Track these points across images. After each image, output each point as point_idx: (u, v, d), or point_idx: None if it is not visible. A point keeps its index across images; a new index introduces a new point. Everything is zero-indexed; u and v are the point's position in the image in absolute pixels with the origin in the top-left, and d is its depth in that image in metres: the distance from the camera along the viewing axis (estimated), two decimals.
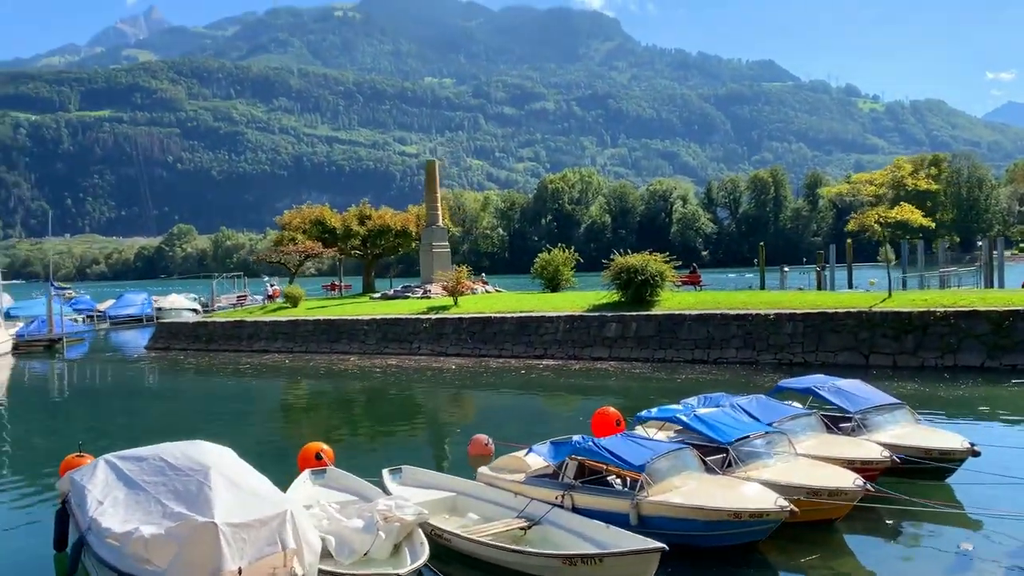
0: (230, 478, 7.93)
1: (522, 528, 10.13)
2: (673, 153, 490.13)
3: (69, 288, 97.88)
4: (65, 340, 38.63)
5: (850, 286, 44.60)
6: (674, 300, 29.61)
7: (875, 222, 26.26)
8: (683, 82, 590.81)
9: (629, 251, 30.97)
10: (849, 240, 47.32)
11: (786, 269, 47.66)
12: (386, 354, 30.99)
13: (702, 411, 11.87)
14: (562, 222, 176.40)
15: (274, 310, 37.46)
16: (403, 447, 16.62)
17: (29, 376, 31.66)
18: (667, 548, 8.40)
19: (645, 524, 9.72)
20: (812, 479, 10.32)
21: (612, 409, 15.22)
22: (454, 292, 33.78)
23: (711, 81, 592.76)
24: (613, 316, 28.49)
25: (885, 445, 11.96)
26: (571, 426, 15.37)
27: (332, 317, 33.70)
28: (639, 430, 12.43)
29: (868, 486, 10.05)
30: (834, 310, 25.36)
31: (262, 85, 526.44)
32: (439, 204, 41.70)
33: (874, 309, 24.89)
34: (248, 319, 36.01)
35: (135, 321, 49.86)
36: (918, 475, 11.87)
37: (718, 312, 26.92)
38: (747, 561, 9.53)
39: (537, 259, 39.86)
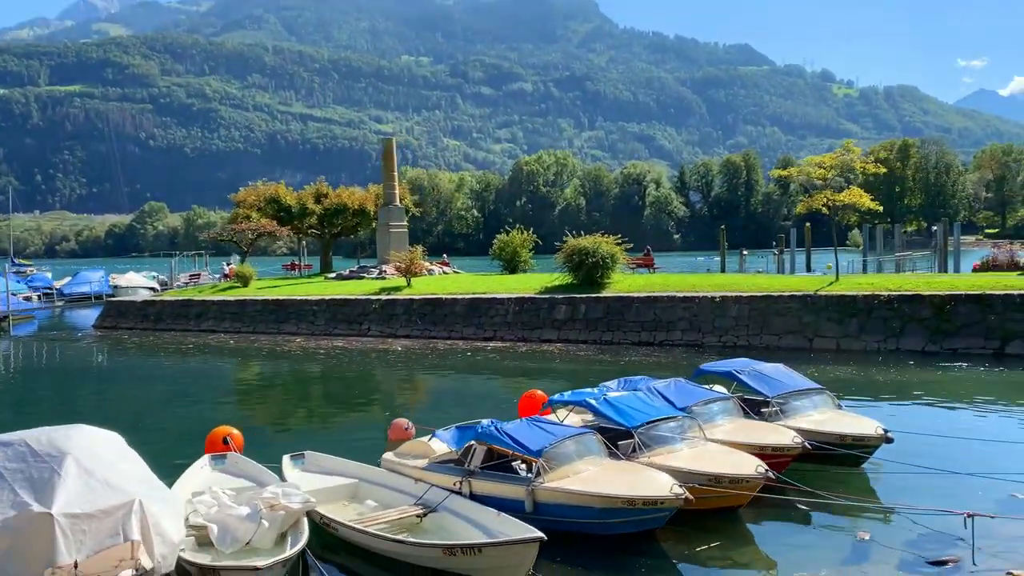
0: (86, 466, 7.54)
1: (418, 516, 9.88)
2: (649, 136, 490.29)
3: (31, 265, 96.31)
4: (11, 318, 37.75)
5: (808, 269, 44.81)
6: (625, 283, 29.42)
7: (823, 205, 26.22)
8: (660, 65, 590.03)
9: (603, 233, 30.52)
10: (808, 224, 47.61)
11: (745, 253, 47.96)
12: (335, 335, 30.56)
13: (613, 395, 11.64)
14: (537, 204, 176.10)
15: (224, 290, 36.82)
16: (328, 431, 16.29)
17: None
18: (545, 538, 8.17)
19: (541, 511, 9.50)
20: (714, 466, 10.12)
21: (540, 392, 14.98)
22: (407, 273, 33.37)
23: (688, 64, 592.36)
24: (563, 299, 28.25)
25: (800, 431, 11.82)
26: (504, 409, 15.12)
27: (280, 297, 33.19)
28: (554, 415, 12.19)
29: (770, 474, 9.87)
30: (779, 293, 25.29)
31: (236, 61, 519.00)
32: (396, 183, 41.13)
33: (819, 293, 24.84)
34: (196, 298, 35.38)
35: (87, 299, 48.92)
36: (834, 460, 11.75)
37: (665, 295, 26.77)
38: (645, 550, 9.34)
39: (495, 240, 39.56)
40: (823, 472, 11.65)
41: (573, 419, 12.14)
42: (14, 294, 50.98)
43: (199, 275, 47.41)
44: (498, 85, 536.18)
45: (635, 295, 27.26)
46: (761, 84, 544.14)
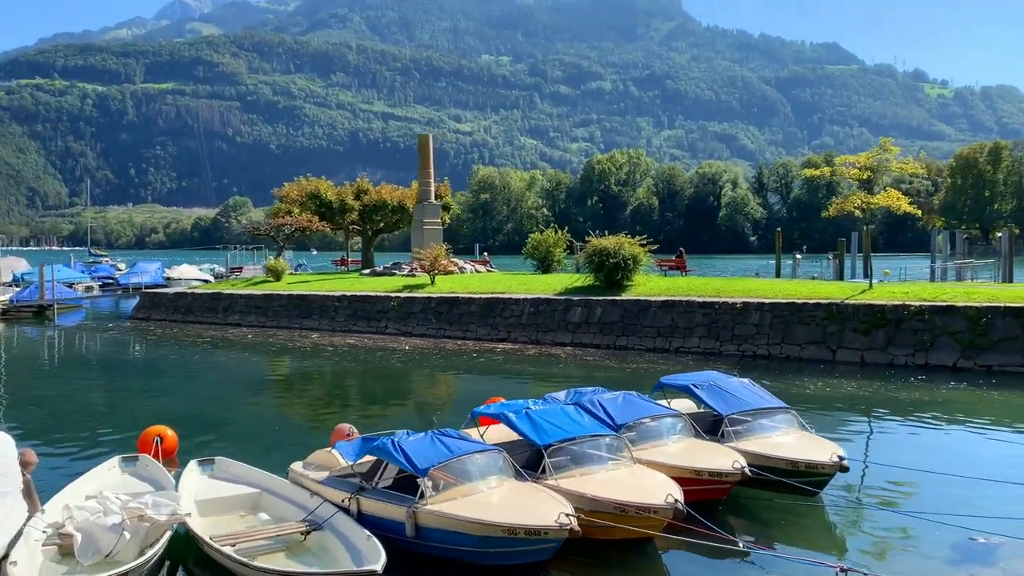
0: None
1: (303, 533, 9.20)
2: (731, 136, 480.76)
3: (105, 256, 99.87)
4: (56, 307, 38.73)
5: (866, 276, 42.54)
6: (648, 285, 28.19)
7: (856, 207, 24.52)
8: (744, 64, 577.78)
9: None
10: (867, 228, 44.92)
11: (799, 256, 45.75)
12: (354, 332, 30.22)
13: (535, 408, 10.69)
14: (608, 203, 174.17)
15: (256, 284, 36.97)
16: (277, 433, 15.70)
17: None
18: (379, 571, 7.36)
19: (423, 536, 8.71)
20: (623, 493, 9.10)
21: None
22: (431, 271, 32.82)
23: (772, 63, 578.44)
24: (579, 300, 27.22)
25: (749, 454, 10.74)
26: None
27: (305, 292, 33.06)
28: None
29: (679, 505, 8.81)
30: (803, 301, 23.71)
31: (321, 60, 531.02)
32: (432, 180, 40.63)
33: (846, 301, 23.20)
34: (225, 291, 35.58)
35: (124, 290, 49.65)
36: (788, 487, 10.58)
37: (684, 299, 25.47)
38: None
39: (528, 239, 38.69)
40: (771, 502, 10.52)
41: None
42: (76, 283, 52.71)
43: (241, 268, 47.85)
44: (577, 84, 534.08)
45: (653, 299, 26.03)
46: (849, 84, 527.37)
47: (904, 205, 24.68)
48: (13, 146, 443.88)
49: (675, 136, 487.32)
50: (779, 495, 10.67)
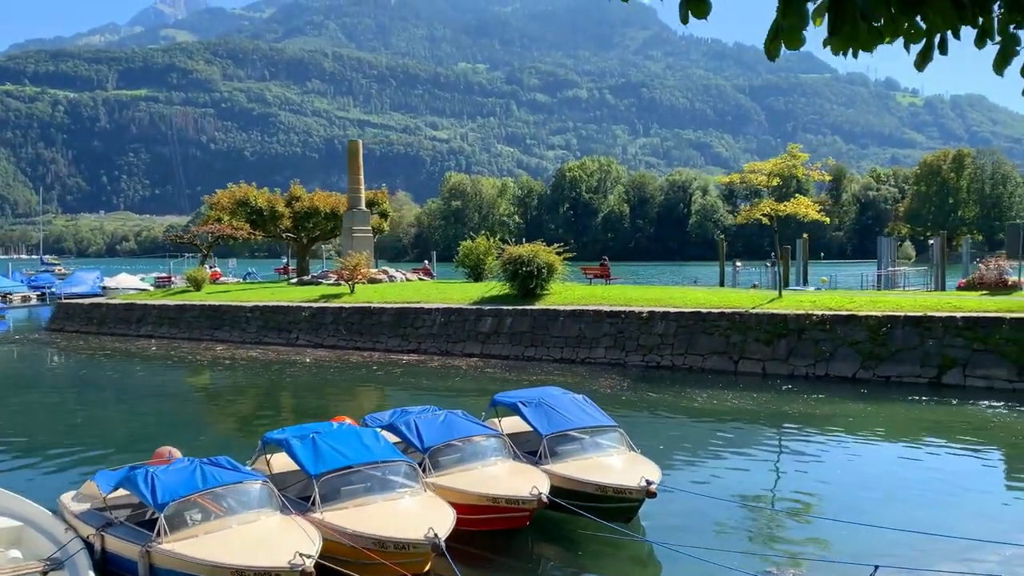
0: None
1: (42, 572, 8.34)
2: (706, 144, 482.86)
3: (58, 264, 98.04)
4: None
5: (804, 283, 42.24)
6: (563, 294, 27.46)
7: (763, 215, 24.01)
8: (718, 72, 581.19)
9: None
10: (805, 235, 44.81)
11: (739, 264, 45.20)
12: (264, 343, 29.29)
13: (324, 433, 9.88)
14: (580, 211, 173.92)
15: (176, 293, 35.92)
16: (122, 455, 14.80)
17: None
18: None
19: None
20: (387, 528, 8.34)
21: (347, 419, 13.29)
22: (349, 279, 31.95)
23: (746, 72, 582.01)
24: (490, 310, 26.48)
25: (560, 477, 10.11)
26: None
27: (217, 303, 32.05)
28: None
29: (438, 541, 8.05)
30: (708, 310, 23.10)
31: (296, 67, 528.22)
32: (361, 186, 39.77)
33: (751, 311, 22.60)
34: (139, 302, 34.53)
35: (58, 300, 48.29)
36: (603, 512, 9.88)
37: (591, 309, 24.81)
38: None
39: (460, 247, 37.88)
40: (583, 529, 9.82)
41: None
42: (11, 293, 51.40)
43: (169, 277, 46.65)
44: (553, 92, 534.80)
45: (562, 308, 25.35)
46: (822, 92, 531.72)
47: (812, 213, 24.18)
48: None
49: (650, 144, 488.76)
50: (593, 520, 9.97)
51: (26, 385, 22.91)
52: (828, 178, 38.99)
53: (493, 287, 28.94)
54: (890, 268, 37.75)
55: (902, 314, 20.55)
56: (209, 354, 27.54)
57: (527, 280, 27.13)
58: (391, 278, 37.10)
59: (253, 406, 19.89)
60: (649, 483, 9.74)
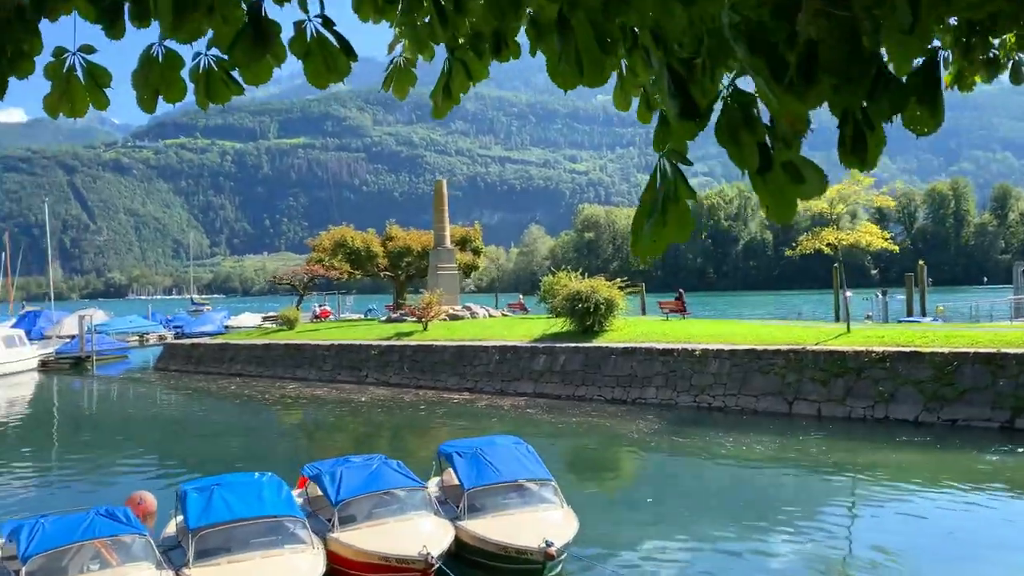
0: None
1: None
2: None
3: (207, 304, 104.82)
4: (95, 358, 40.33)
5: (923, 313, 39.07)
6: (626, 331, 26.44)
7: (826, 244, 22.27)
8: None
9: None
10: (921, 261, 41.30)
11: (849, 294, 42.04)
12: (337, 382, 29.88)
13: (223, 485, 9.75)
14: (718, 239, 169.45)
15: (269, 332, 37.38)
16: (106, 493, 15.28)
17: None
18: None
19: None
20: None
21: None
22: (421, 317, 32.19)
23: None
24: (544, 348, 25.89)
25: (469, 534, 9.60)
26: None
27: (300, 342, 33.06)
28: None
29: None
30: (764, 347, 21.55)
31: None
32: (446, 225, 40.20)
33: (807, 348, 20.91)
34: (232, 342, 36.16)
35: (186, 338, 51.27)
36: (512, 572, 9.28)
37: (643, 346, 23.72)
38: None
39: (542, 282, 37.43)
40: None
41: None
42: (146, 333, 55.10)
43: (272, 316, 48.63)
44: None
45: (615, 346, 24.40)
46: (991, 105, 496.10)
47: (877, 241, 22.24)
48: (160, 202, 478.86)
49: None
50: None
51: (72, 420, 24.34)
52: (892, 204, 35.95)
53: (555, 323, 28.29)
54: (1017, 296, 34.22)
55: (971, 350, 18.40)
56: (277, 393, 28.35)
57: (585, 316, 26.38)
58: (473, 314, 37.10)
59: (273, 445, 20.18)
60: (549, 544, 9.02)
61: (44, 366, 39.70)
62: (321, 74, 2.98)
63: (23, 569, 8.02)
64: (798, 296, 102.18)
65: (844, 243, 22.52)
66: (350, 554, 9.29)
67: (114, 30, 2.46)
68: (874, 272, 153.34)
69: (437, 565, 8.98)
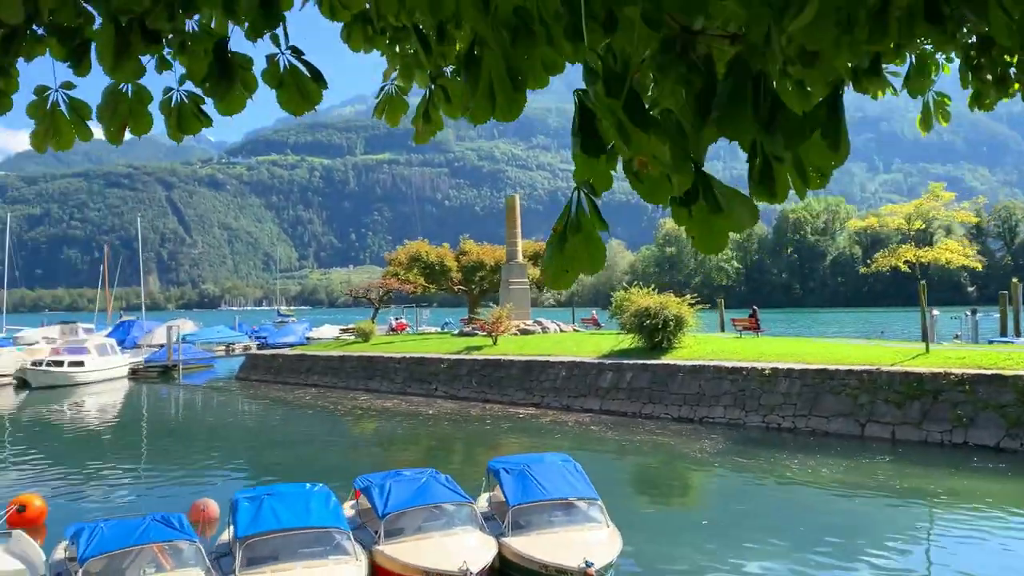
0: None
1: None
2: (957, 178, 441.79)
3: (292, 316, 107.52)
4: (181, 367, 41.91)
5: (1017, 334, 37.20)
6: (695, 348, 26.07)
7: (903, 262, 21.46)
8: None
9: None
10: (1015, 279, 39.15)
11: (936, 312, 40.33)
12: (407, 394, 30.30)
13: (272, 496, 10.02)
14: (804, 254, 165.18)
15: (346, 345, 38.14)
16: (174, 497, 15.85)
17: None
18: None
19: None
20: None
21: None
22: (491, 331, 32.39)
23: None
24: (611, 364, 25.71)
25: (512, 551, 9.62)
26: None
27: (373, 354, 33.66)
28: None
29: None
30: (836, 367, 20.91)
31: (522, 124, 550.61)
32: (519, 240, 40.34)
33: (882, 368, 20.19)
34: (309, 353, 37.05)
35: (268, 348, 52.66)
36: None
37: (712, 364, 23.30)
38: None
39: (614, 298, 37.19)
40: None
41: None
42: (232, 343, 56.91)
43: (348, 328, 49.51)
44: None
45: (683, 363, 24.05)
46: None
47: (959, 258, 21.29)
48: (252, 216, 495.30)
49: (892, 180, 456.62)
50: None
51: (154, 427, 25.31)
52: (975, 219, 34.21)
53: (624, 340, 28.09)
54: None
55: None
56: (350, 404, 28.94)
57: (654, 333, 26.11)
58: (544, 329, 37.09)
59: (345, 461, 20.55)
60: (589, 564, 8.97)
61: (134, 374, 41.49)
62: (295, 102, 3.08)
63: (80, 570, 8.41)
64: (887, 314, 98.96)
65: (923, 260, 21.62)
66: (392, 567, 9.44)
67: (81, 68, 2.63)
68: (970, 289, 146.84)
69: None
